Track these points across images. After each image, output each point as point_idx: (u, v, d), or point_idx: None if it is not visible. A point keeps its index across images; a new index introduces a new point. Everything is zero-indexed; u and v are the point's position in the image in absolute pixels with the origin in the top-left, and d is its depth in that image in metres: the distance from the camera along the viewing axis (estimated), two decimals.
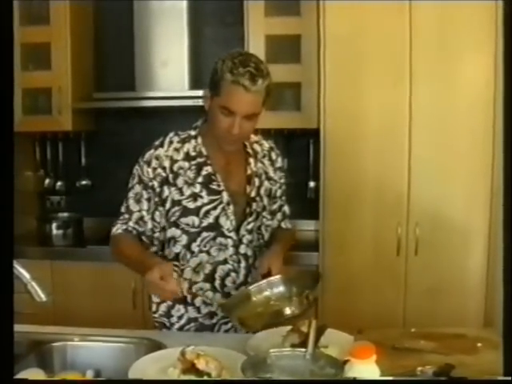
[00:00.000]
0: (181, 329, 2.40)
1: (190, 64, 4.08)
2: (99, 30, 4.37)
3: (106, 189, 4.38)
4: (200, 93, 3.85)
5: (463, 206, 3.51)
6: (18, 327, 1.51)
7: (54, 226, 4.11)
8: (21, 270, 1.84)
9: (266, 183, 2.42)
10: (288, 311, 2.09)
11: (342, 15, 3.50)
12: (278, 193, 2.51)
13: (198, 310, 2.37)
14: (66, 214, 4.30)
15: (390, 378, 1.70)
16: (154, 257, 2.31)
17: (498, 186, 3.42)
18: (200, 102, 3.84)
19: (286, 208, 2.58)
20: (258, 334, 2.24)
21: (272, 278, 2.13)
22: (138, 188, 2.31)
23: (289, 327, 2.20)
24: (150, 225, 2.32)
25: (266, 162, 2.45)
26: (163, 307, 2.42)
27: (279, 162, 2.50)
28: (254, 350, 1.98)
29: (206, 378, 1.79)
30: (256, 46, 3.76)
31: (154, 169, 2.28)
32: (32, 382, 1.84)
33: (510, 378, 1.63)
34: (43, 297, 1.89)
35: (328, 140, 3.55)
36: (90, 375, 2.05)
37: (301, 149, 4.20)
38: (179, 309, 2.39)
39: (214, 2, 4.22)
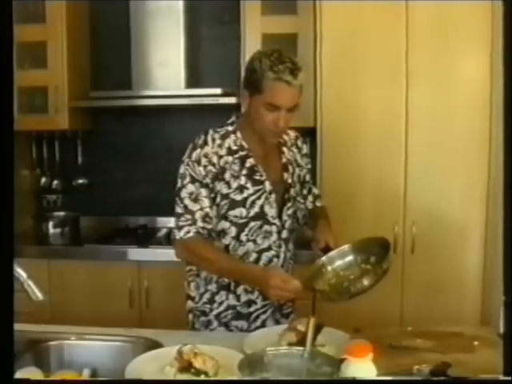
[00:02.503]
0: (218, 315, 2.47)
1: (187, 63, 4.08)
2: (96, 29, 4.36)
3: (102, 188, 4.39)
4: (197, 91, 3.91)
5: (460, 205, 3.52)
6: (15, 326, 1.51)
7: (50, 224, 4.11)
8: (17, 269, 1.84)
9: (297, 170, 2.57)
10: (366, 282, 2.14)
11: (338, 14, 3.50)
12: (307, 177, 2.68)
13: (238, 298, 2.45)
14: (62, 213, 4.28)
15: (389, 378, 1.71)
16: (252, 264, 2.40)
17: (494, 184, 3.42)
18: (195, 101, 3.86)
19: (314, 189, 2.76)
20: (255, 333, 2.26)
21: (342, 247, 2.29)
22: (191, 187, 2.35)
23: (285, 326, 2.20)
24: (214, 220, 2.38)
25: (295, 149, 2.59)
26: (208, 295, 2.48)
27: (305, 149, 2.66)
28: (251, 348, 1.99)
29: (203, 376, 1.80)
30: (253, 44, 3.76)
31: (205, 166, 2.33)
32: (32, 382, 1.85)
33: (509, 378, 1.63)
34: (40, 296, 1.90)
35: (325, 139, 3.55)
36: (86, 374, 2.06)
37: None
38: (222, 295, 2.46)
39: (211, 1, 4.21)
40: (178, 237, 2.35)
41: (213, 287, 2.46)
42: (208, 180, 2.33)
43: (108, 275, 3.76)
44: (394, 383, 1.74)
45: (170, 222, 4.13)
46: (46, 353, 2.17)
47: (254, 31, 3.80)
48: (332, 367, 1.65)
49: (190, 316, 2.54)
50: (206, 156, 2.33)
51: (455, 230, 3.52)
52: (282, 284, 2.09)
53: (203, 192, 2.33)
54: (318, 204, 2.74)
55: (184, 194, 2.35)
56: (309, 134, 3.79)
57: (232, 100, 3.79)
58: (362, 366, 1.56)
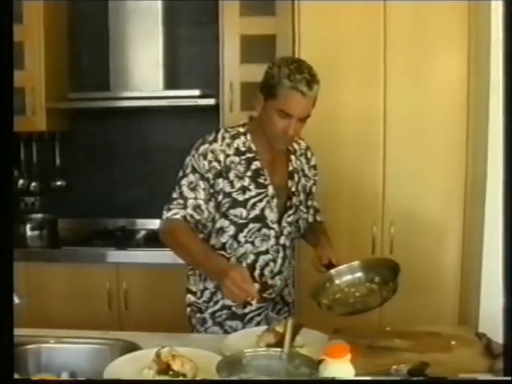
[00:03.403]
0: (213, 314, 2.49)
1: (165, 64, 4.07)
2: (74, 30, 4.34)
3: (80, 189, 4.37)
4: (175, 93, 3.91)
5: (438, 206, 3.54)
6: None
7: (28, 227, 4.08)
8: None
9: (303, 180, 2.59)
10: (371, 301, 2.18)
11: (316, 15, 3.51)
12: (313, 189, 2.70)
13: None
14: (40, 215, 4.26)
15: (368, 378, 1.71)
16: (223, 259, 2.40)
17: (472, 185, 3.45)
18: (174, 102, 3.86)
19: (315, 203, 2.76)
20: (233, 335, 2.26)
21: (352, 263, 2.32)
22: (192, 177, 2.37)
23: (264, 327, 2.20)
24: (206, 214, 2.38)
25: (303, 159, 2.62)
26: (207, 293, 2.50)
27: (313, 161, 2.68)
28: (230, 350, 1.98)
29: (181, 378, 1.79)
30: (231, 45, 3.77)
31: (210, 162, 2.35)
32: (32, 382, 1.84)
33: (509, 378, 1.64)
34: (16, 299, 1.88)
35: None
36: (65, 377, 2.04)
37: None
38: (217, 294, 2.47)
39: (189, 1, 4.20)
40: (164, 217, 2.37)
41: (211, 286, 2.48)
42: (210, 175, 2.35)
43: (86, 277, 3.75)
44: (373, 383, 1.75)
45: (149, 223, 4.13)
46: (24, 357, 2.15)
47: (233, 32, 3.80)
48: (310, 368, 1.65)
49: (188, 310, 2.56)
50: (212, 152, 2.36)
51: (433, 231, 3.54)
52: (239, 280, 2.04)
53: (201, 184, 2.35)
54: (318, 218, 2.76)
55: (184, 181, 2.37)
56: None
57: (210, 101, 3.80)
58: (340, 366, 1.57)
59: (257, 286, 2.17)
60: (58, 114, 4.15)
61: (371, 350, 2.00)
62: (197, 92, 3.83)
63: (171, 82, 4.12)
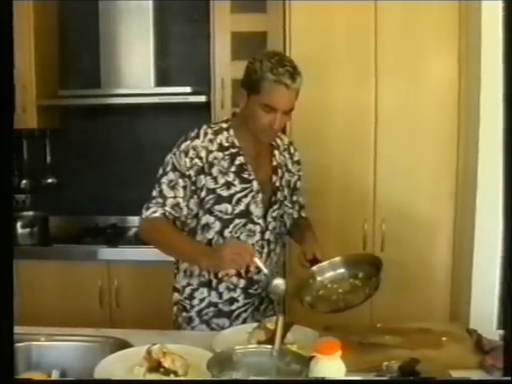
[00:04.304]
0: (199, 312, 2.48)
1: (156, 61, 4.06)
2: (64, 29, 4.32)
3: (71, 187, 4.36)
4: (166, 90, 3.90)
5: (428, 203, 3.55)
6: None
7: (19, 224, 4.06)
8: None
9: (287, 175, 2.57)
10: (354, 298, 2.16)
11: (307, 13, 3.50)
12: (298, 184, 2.67)
13: (221, 295, 2.46)
14: (31, 213, 4.24)
15: (358, 378, 1.72)
16: (208, 246, 2.42)
17: (462, 182, 3.46)
18: (165, 99, 3.85)
19: (301, 199, 2.74)
20: (224, 332, 2.26)
21: (334, 259, 2.31)
22: (172, 175, 2.36)
23: (255, 324, 2.21)
24: (185, 211, 2.38)
25: (287, 155, 2.61)
26: (188, 290, 2.50)
27: (296, 156, 2.66)
28: (220, 347, 1.98)
29: (172, 376, 1.79)
30: (222, 43, 3.78)
31: (192, 159, 2.34)
32: (32, 382, 1.83)
33: (509, 378, 1.65)
34: None
35: (294, 136, 3.54)
36: (55, 375, 2.04)
37: None
38: (203, 292, 2.47)
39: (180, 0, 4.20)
40: (144, 216, 2.37)
41: (194, 282, 2.48)
42: (192, 172, 2.34)
43: (78, 275, 3.74)
44: (365, 383, 1.75)
45: None
46: (14, 355, 2.14)
47: (224, 29, 3.81)
48: (301, 365, 1.66)
49: (175, 309, 2.56)
50: (194, 148, 2.34)
51: (424, 228, 3.55)
52: (236, 246, 2.14)
53: (181, 182, 2.35)
54: (303, 214, 2.75)
55: (164, 180, 2.37)
56: None
57: (201, 98, 3.80)
58: (331, 363, 1.57)
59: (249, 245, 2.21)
60: (48, 111, 4.14)
61: (362, 347, 2.01)
62: (188, 89, 3.82)
63: (162, 79, 4.11)
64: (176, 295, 2.55)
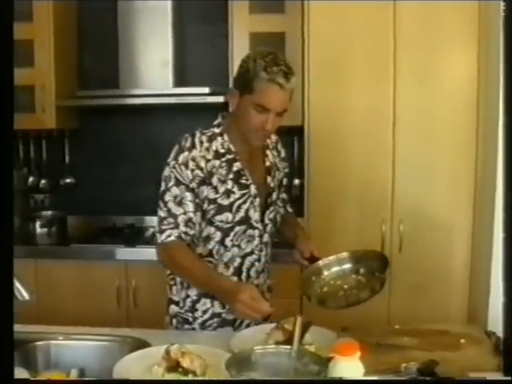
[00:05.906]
0: (203, 324, 2.42)
1: (174, 62, 4.07)
2: (83, 29, 4.35)
3: (89, 187, 4.38)
4: (184, 90, 3.91)
5: (447, 204, 3.53)
6: None
7: (37, 224, 4.09)
8: None
9: (277, 173, 2.54)
10: (361, 294, 2.17)
11: (326, 13, 3.50)
12: (284, 181, 2.63)
13: (223, 305, 2.39)
14: (49, 213, 4.27)
15: (377, 378, 1.71)
16: (226, 278, 2.36)
17: (481, 183, 3.44)
18: (183, 100, 3.85)
19: (284, 194, 2.69)
20: (242, 332, 2.26)
21: (340, 254, 2.31)
22: (176, 190, 2.28)
23: (273, 324, 2.20)
24: (197, 226, 2.32)
25: (275, 153, 2.57)
26: (188, 302, 2.43)
27: (283, 153, 2.63)
28: (239, 347, 1.98)
29: (190, 376, 1.79)
30: (240, 43, 3.77)
31: (193, 170, 2.27)
32: (32, 382, 1.84)
33: (510, 378, 1.64)
34: (26, 295, 1.88)
35: (312, 137, 3.56)
36: (74, 374, 2.05)
37: (285, 146, 4.17)
38: (205, 303, 2.41)
39: (199, 0, 4.20)
40: (159, 240, 2.30)
41: (193, 293, 2.41)
42: (194, 184, 2.27)
43: (95, 275, 3.76)
44: (381, 383, 1.75)
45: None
46: (33, 353, 2.15)
47: (242, 30, 3.81)
48: (319, 366, 1.65)
49: (174, 321, 2.48)
50: (193, 160, 2.27)
51: (442, 229, 3.53)
52: (249, 301, 2.02)
53: (188, 196, 2.27)
54: (289, 209, 2.73)
55: (168, 197, 2.29)
56: (296, 132, 3.80)
57: (219, 99, 3.79)
58: (350, 364, 1.56)
59: (265, 303, 2.10)
60: (67, 111, 4.17)
61: (380, 348, 2.00)
62: (206, 89, 3.82)
63: (180, 79, 4.12)
64: (174, 307, 2.47)
